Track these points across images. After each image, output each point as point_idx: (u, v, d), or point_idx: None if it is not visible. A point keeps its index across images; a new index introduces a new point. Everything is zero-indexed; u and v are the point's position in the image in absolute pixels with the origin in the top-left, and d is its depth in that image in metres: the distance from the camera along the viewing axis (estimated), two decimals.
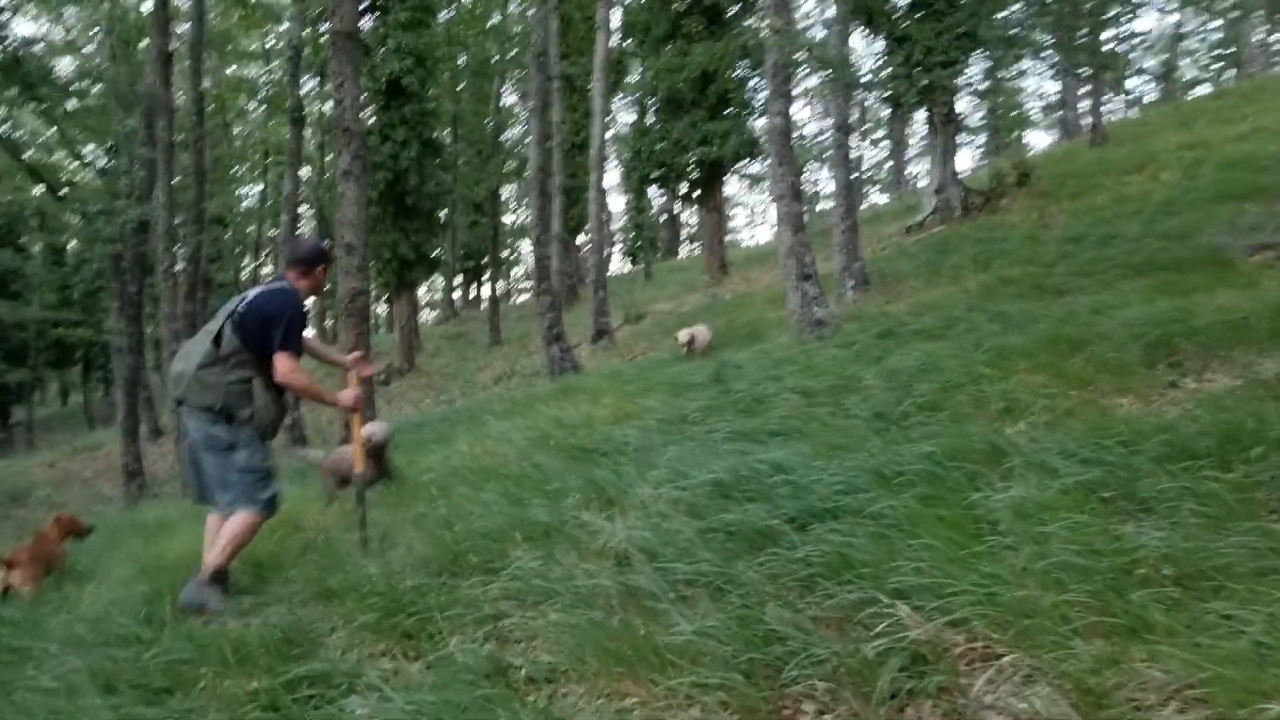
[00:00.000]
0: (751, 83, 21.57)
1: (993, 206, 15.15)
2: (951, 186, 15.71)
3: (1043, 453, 4.08)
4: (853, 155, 11.33)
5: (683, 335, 8.98)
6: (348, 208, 7.82)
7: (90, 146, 31.18)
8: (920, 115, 16.81)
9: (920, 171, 51.36)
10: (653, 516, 4.18)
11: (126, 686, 3.34)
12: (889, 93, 15.12)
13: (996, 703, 2.38)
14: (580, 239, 28.59)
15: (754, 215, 66.86)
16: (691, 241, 54.68)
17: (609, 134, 16.39)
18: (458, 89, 31.67)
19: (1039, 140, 52.10)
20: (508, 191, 40.89)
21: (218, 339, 4.29)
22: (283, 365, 4.24)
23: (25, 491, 17.82)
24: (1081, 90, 30.04)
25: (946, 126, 15.51)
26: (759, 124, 20.18)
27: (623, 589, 3.51)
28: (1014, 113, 45.11)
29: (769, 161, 9.47)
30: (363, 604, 3.83)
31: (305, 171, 31.06)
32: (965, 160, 65.40)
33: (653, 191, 25.57)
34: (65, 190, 26.29)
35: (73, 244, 34.34)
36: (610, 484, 4.68)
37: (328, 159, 28.55)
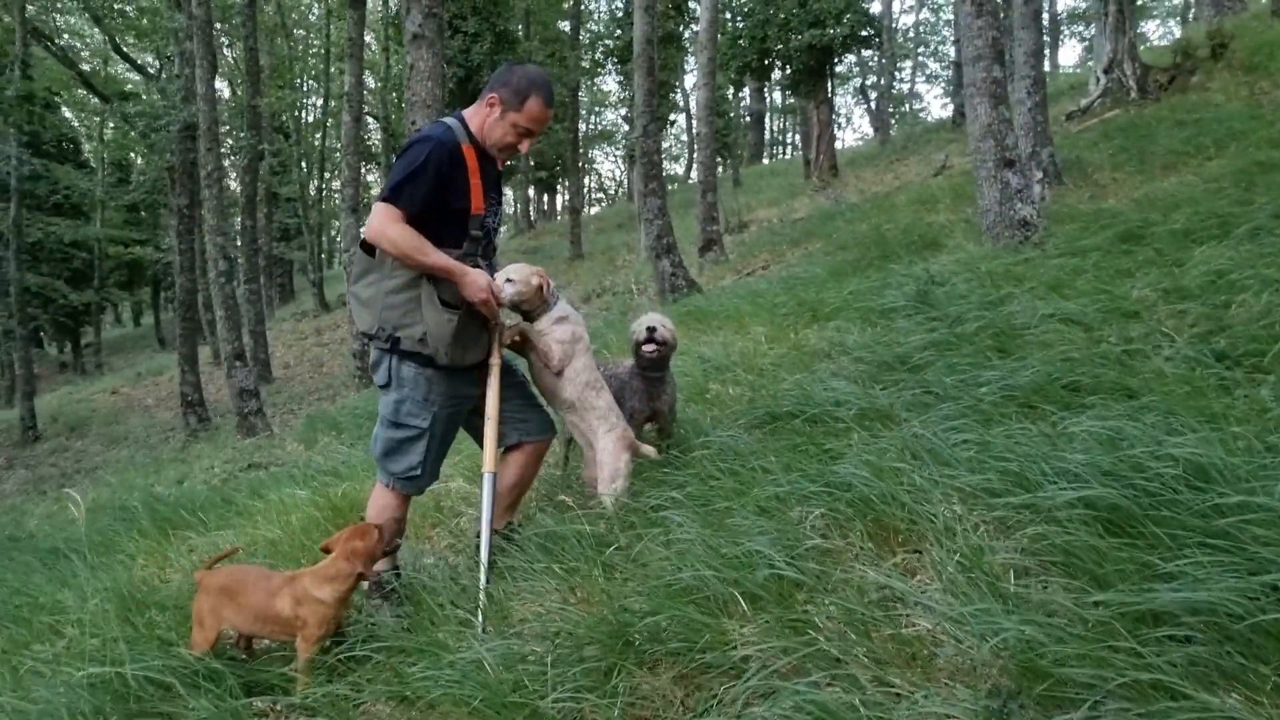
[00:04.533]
0: None
1: (1182, 84, 12.48)
2: (1126, 63, 13.02)
3: None
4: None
5: None
6: (419, 83, 5.82)
7: (150, 58, 29.75)
8: None
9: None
10: (989, 573, 2.28)
11: None
12: None
13: None
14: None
15: (838, 116, 62.53)
16: (773, 146, 51.56)
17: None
18: None
19: (1151, 30, 47.28)
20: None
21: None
22: (375, 215, 2.79)
23: (84, 421, 16.65)
24: None
25: None
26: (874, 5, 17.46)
27: None
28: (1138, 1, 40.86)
29: (962, 12, 7.16)
30: None
31: (369, 80, 29.10)
32: (1070, 56, 60.45)
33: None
34: (123, 103, 24.99)
35: (138, 161, 33.24)
36: (872, 489, 2.76)
37: (393, 63, 26.43)
